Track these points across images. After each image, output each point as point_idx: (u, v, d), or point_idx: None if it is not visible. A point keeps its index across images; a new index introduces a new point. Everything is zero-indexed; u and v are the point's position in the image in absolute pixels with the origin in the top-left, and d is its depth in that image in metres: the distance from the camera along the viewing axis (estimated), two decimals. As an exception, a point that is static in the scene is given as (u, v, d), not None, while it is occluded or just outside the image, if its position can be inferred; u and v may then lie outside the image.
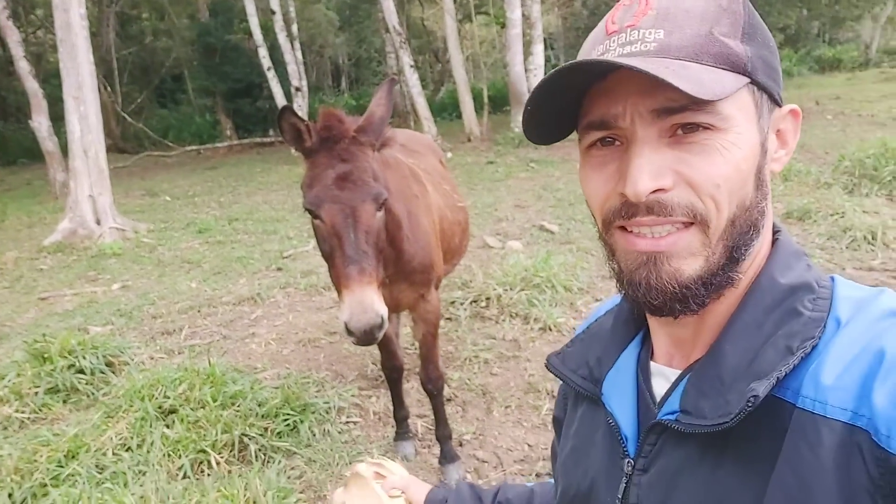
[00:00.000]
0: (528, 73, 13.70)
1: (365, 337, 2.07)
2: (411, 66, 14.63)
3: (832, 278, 0.74)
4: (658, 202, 0.68)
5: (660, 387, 0.80)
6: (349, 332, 2.08)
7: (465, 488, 1.17)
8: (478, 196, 9.09)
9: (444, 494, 1.16)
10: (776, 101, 0.73)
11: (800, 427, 0.62)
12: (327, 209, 2.10)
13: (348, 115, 2.32)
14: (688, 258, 0.69)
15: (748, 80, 0.67)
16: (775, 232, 0.78)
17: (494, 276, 5.06)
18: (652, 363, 0.83)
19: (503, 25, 14.39)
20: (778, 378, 0.64)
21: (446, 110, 21.50)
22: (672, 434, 0.73)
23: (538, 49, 13.76)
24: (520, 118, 0.75)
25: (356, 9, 25.53)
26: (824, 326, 0.67)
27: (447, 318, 4.72)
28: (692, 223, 0.68)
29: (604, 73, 0.69)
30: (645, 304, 0.72)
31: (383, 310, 2.10)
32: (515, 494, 1.12)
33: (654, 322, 0.82)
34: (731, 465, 0.67)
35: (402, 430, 3.34)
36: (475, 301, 4.87)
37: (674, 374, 0.79)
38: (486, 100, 15.38)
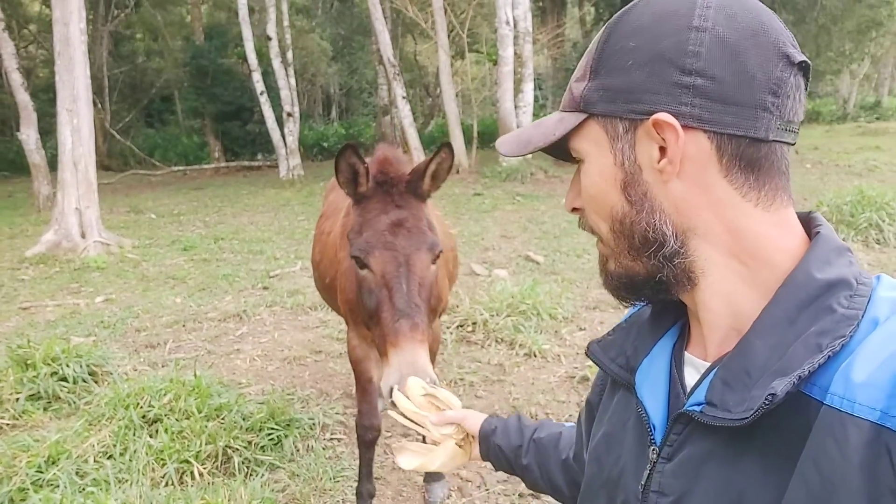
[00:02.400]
0: (517, 109, 13.93)
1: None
2: (403, 98, 14.84)
3: (878, 277, 0.73)
4: (581, 219, 0.88)
5: (691, 377, 0.82)
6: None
7: (513, 421, 1.29)
8: (465, 225, 9.18)
9: (495, 424, 1.28)
10: (635, 118, 0.75)
11: (826, 424, 0.62)
12: (378, 256, 1.93)
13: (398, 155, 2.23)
14: (608, 260, 0.85)
15: (585, 115, 0.79)
16: (817, 225, 0.77)
17: (481, 302, 5.11)
18: (686, 353, 0.84)
19: (495, 63, 14.67)
20: (800, 377, 0.64)
21: (434, 143, 21.67)
22: (697, 425, 0.74)
23: (528, 87, 14.03)
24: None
25: (349, 40, 25.92)
26: (858, 325, 0.66)
27: (433, 342, 4.74)
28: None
29: None
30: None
31: (433, 374, 1.79)
32: (547, 435, 1.24)
33: (690, 312, 0.85)
34: (755, 459, 0.68)
35: None
36: (461, 325, 4.92)
37: (704, 365, 0.80)
38: (475, 134, 15.60)
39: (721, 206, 0.74)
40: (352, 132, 24.21)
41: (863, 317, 0.67)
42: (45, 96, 18.62)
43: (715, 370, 0.75)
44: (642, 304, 0.91)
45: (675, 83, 0.72)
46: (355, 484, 3.11)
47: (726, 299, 0.76)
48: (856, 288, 0.70)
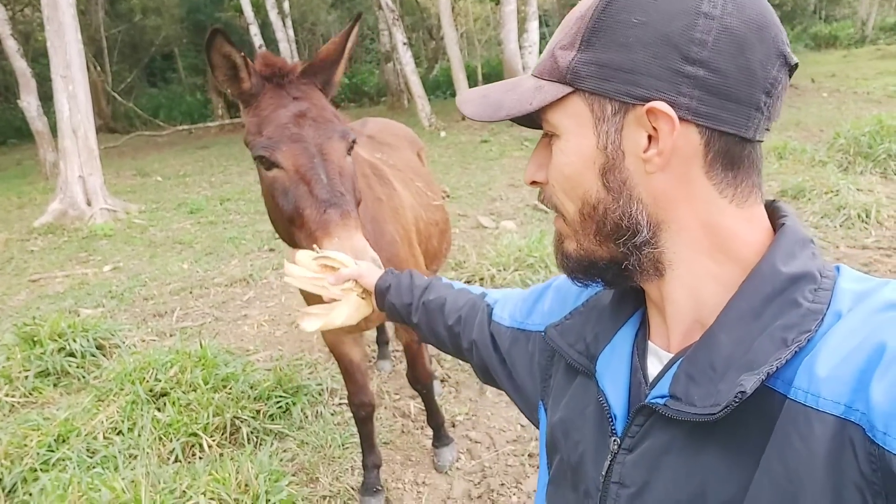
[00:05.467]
0: (522, 50, 13.56)
1: None
2: (404, 44, 14.46)
3: (837, 268, 0.72)
4: (540, 192, 0.84)
5: (654, 367, 0.81)
6: None
7: (405, 279, 1.34)
8: (471, 175, 9.03)
9: (389, 281, 1.34)
10: (629, 102, 0.70)
11: (791, 418, 0.62)
12: (287, 150, 1.71)
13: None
14: (567, 239, 0.81)
15: (571, 89, 0.73)
16: (782, 216, 0.75)
17: (488, 257, 5.03)
18: (649, 342, 0.83)
19: (497, 2, 14.23)
20: (769, 373, 0.63)
21: (440, 88, 21.28)
22: (660, 417, 0.73)
23: (533, 26, 13.61)
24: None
25: (348, -15, 25.21)
26: (822, 319, 0.65)
27: (440, 299, 4.69)
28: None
29: None
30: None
31: (376, 255, 1.63)
32: (434, 298, 1.29)
33: (649, 301, 0.83)
34: (718, 451, 0.68)
35: (371, 480, 2.81)
36: (469, 282, 4.85)
37: (667, 356, 0.79)
38: (480, 77, 15.26)
39: (698, 202, 0.72)
40: (355, 81, 23.79)
41: (827, 310, 0.66)
42: (46, 60, 18.21)
43: (679, 362, 0.74)
44: (595, 285, 0.86)
45: (676, 71, 0.67)
46: (363, 451, 3.11)
47: (691, 292, 0.75)
48: (820, 281, 0.69)
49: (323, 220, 1.65)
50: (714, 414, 0.65)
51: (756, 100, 0.68)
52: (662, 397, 0.73)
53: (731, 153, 0.70)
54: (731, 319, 0.70)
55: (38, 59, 17.86)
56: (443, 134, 12.88)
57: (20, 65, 11.92)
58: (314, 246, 1.57)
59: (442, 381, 3.72)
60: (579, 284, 0.85)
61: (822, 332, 0.65)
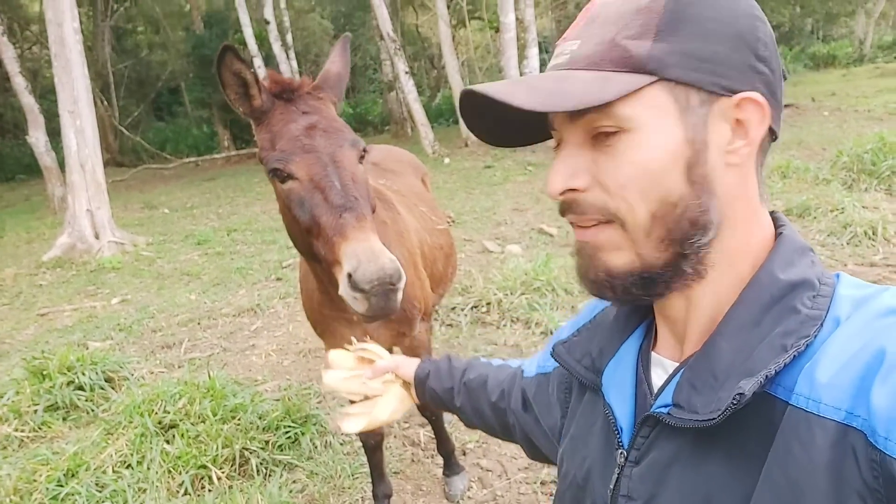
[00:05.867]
0: (523, 76, 13.67)
1: (380, 289, 1.60)
2: (406, 73, 14.62)
3: (837, 276, 0.73)
4: (574, 201, 0.73)
5: (658, 378, 0.80)
6: (356, 286, 1.60)
7: (444, 364, 1.30)
8: (476, 201, 9.07)
9: (428, 368, 1.29)
10: (717, 93, 0.68)
11: (792, 425, 0.62)
12: (300, 161, 1.75)
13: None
14: (614, 251, 0.72)
15: (654, 78, 0.67)
16: (779, 226, 0.76)
17: (494, 281, 5.03)
18: (653, 353, 0.83)
19: (497, 30, 14.39)
20: (767, 376, 0.63)
21: (443, 116, 21.46)
22: (664, 427, 0.73)
23: (533, 52, 13.74)
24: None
25: (350, 17, 25.57)
26: (821, 325, 0.65)
27: (448, 325, 4.69)
28: (611, 221, 0.71)
29: None
30: (584, 287, 0.77)
31: (393, 256, 1.68)
32: (476, 377, 1.25)
33: (656, 312, 0.82)
34: (722, 460, 0.67)
35: None
36: (475, 307, 4.84)
37: (672, 365, 0.78)
38: (482, 104, 15.36)
39: (750, 197, 0.73)
40: (359, 111, 24.03)
41: (826, 316, 0.66)
42: (54, 97, 18.34)
43: (682, 371, 0.73)
44: (611, 301, 0.85)
45: (751, 66, 0.69)
46: (374, 480, 3.08)
47: (715, 297, 0.74)
48: (818, 288, 0.69)
49: (339, 224, 1.68)
50: (714, 419, 0.64)
51: (782, 100, 0.73)
52: (666, 406, 0.73)
53: (766, 149, 0.74)
54: (731, 328, 0.70)
55: (46, 95, 18.10)
56: (446, 160, 12.95)
57: (28, 101, 12.08)
58: (348, 344, 1.50)
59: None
60: (619, 304, 0.84)
61: (822, 339, 0.65)
